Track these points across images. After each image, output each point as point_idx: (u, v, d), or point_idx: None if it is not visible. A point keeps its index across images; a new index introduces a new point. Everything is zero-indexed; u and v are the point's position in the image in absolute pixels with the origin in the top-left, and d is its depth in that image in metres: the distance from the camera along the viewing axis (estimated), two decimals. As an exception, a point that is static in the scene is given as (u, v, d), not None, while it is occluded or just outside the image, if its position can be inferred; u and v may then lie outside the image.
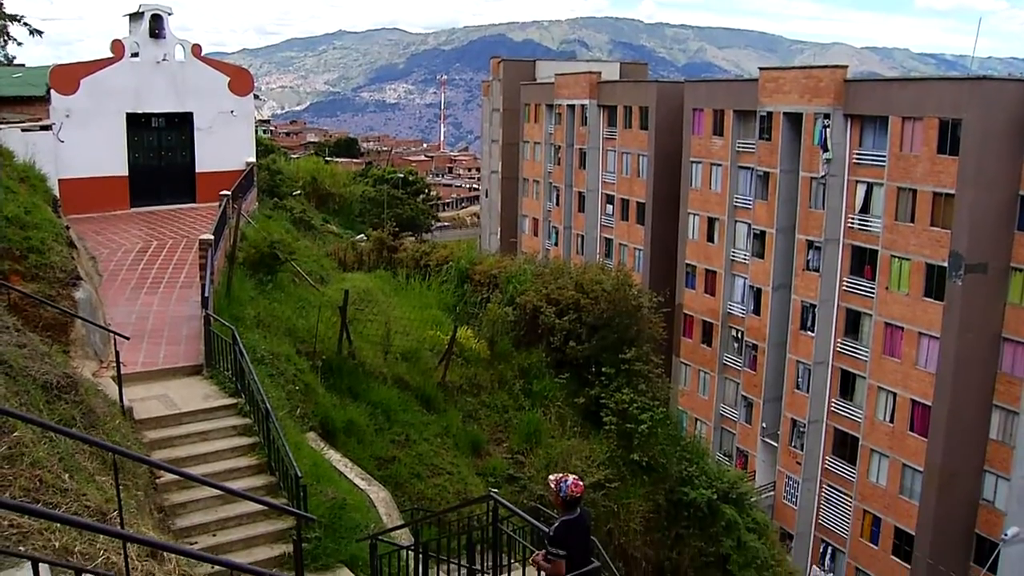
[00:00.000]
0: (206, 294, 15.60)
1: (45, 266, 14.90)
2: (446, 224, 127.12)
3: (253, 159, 29.32)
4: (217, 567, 10.50)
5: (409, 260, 29.15)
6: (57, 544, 7.94)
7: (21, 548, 7.21)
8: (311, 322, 19.33)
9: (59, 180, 22.55)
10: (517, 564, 12.06)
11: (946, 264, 39.10)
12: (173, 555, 9.52)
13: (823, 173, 45.23)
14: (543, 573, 8.39)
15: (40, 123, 23.70)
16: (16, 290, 13.75)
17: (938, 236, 39.60)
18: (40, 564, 6.30)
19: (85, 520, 6.45)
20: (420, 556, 11.69)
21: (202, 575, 10.35)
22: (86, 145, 25.11)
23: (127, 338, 14.29)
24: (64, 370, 11.70)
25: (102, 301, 16.91)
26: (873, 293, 43.26)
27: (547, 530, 8.54)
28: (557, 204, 72.65)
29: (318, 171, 46.33)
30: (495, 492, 10.95)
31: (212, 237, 17.30)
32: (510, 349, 22.74)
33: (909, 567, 41.29)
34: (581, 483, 8.38)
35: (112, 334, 14.34)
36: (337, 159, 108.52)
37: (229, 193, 21.23)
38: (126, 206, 26.35)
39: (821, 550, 47.18)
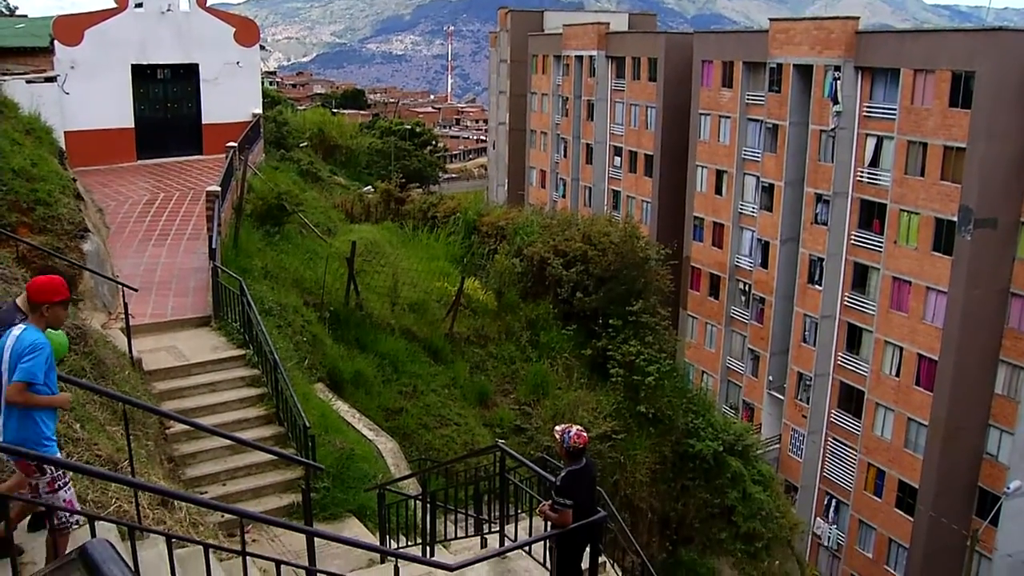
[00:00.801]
0: (213, 246, 15.61)
1: (52, 218, 14.90)
2: (453, 176, 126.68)
3: (259, 111, 29.17)
4: (227, 516, 10.63)
5: (416, 212, 29.09)
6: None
7: (34, 497, 7.29)
8: (318, 273, 19.35)
9: (65, 132, 22.45)
10: (524, 514, 12.18)
11: (955, 218, 38.86)
12: (183, 504, 9.64)
13: (833, 126, 44.84)
14: (550, 523, 8.47)
15: (44, 75, 23.56)
16: (24, 242, 13.77)
17: (948, 190, 39.34)
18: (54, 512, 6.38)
19: (98, 468, 6.52)
20: (428, 506, 11.80)
21: (212, 523, 10.47)
22: (91, 97, 24.99)
23: (135, 290, 14.33)
24: (73, 322, 11.76)
25: (110, 253, 16.93)
26: (881, 247, 43.10)
27: (553, 480, 8.60)
28: (565, 156, 72.26)
29: (325, 123, 46.05)
30: (502, 443, 11.02)
31: (219, 189, 17.29)
32: (517, 300, 22.76)
33: (912, 520, 41.58)
34: (584, 434, 8.37)
35: (120, 286, 14.39)
36: (344, 111, 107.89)
37: (236, 145, 21.17)
38: (132, 158, 26.29)
39: (825, 502, 47.52)
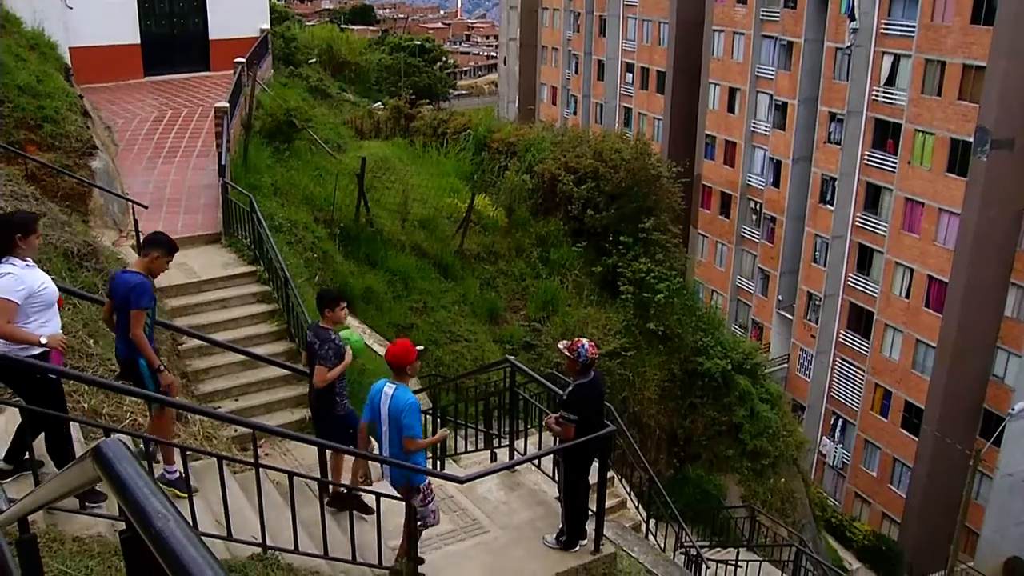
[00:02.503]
0: (223, 162, 15.53)
1: (60, 136, 14.81)
2: (464, 92, 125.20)
3: (267, 26, 28.72)
4: (240, 430, 10.78)
5: (426, 128, 28.89)
6: (86, 406, 8.16)
7: (52, 410, 7.39)
8: (328, 190, 19.30)
9: (70, 48, 22.16)
10: (533, 429, 12.33)
11: (971, 139, 38.33)
12: (197, 418, 9.77)
13: (849, 43, 44.00)
14: (557, 438, 8.56)
15: (47, -13, 23.16)
16: (33, 160, 13.72)
17: (965, 110, 38.73)
18: (71, 423, 6.47)
19: (113, 382, 6.59)
20: (438, 421, 11.93)
21: (226, 437, 10.61)
22: (96, 11, 24.52)
23: (145, 207, 14.31)
24: (84, 238, 11.78)
25: (119, 171, 16.87)
26: (895, 167, 42.64)
27: (561, 394, 8.66)
28: (576, 72, 71.30)
29: (333, 39, 45.51)
30: (512, 358, 11.09)
31: (227, 105, 17.11)
32: (528, 217, 22.72)
33: (917, 440, 41.95)
34: (596, 346, 8.45)
35: (130, 203, 14.37)
36: (352, 27, 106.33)
37: (244, 60, 20.90)
38: (139, 75, 25.96)
39: (832, 422, 47.91)
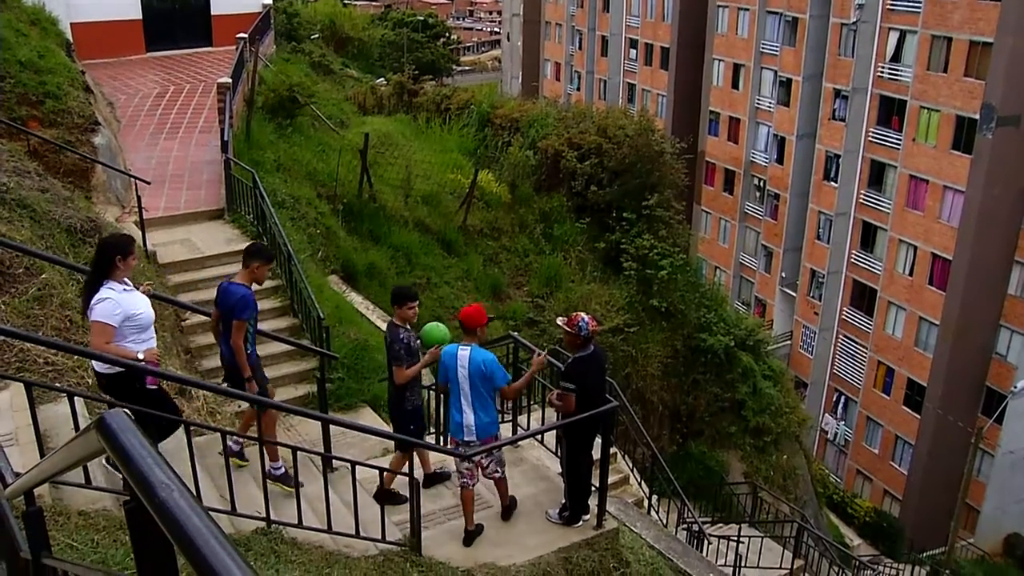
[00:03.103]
0: (225, 138, 15.51)
1: (62, 111, 14.78)
2: (467, 68, 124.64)
3: (270, 1, 28.58)
4: (244, 405, 10.81)
5: (429, 104, 28.78)
6: (91, 382, 8.18)
7: (57, 384, 7.43)
8: (331, 166, 19.26)
9: (71, 24, 22.07)
10: (536, 405, 12.35)
11: (977, 116, 38.15)
12: (201, 393, 9.80)
13: (854, 19, 43.73)
14: (561, 413, 8.58)
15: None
16: (35, 135, 13.70)
17: (971, 87, 38.52)
18: (76, 398, 6.49)
19: (117, 357, 6.60)
20: (440, 396, 11.95)
21: (229, 413, 10.65)
22: (97, -14, 24.44)
23: (148, 183, 14.29)
24: (87, 214, 11.77)
25: (121, 147, 16.85)
26: (899, 145, 42.48)
27: (561, 366, 8.69)
28: (580, 48, 71.01)
29: (336, 14, 45.20)
30: (515, 334, 11.10)
31: (230, 81, 17.07)
32: (531, 193, 22.68)
33: (919, 417, 42.02)
34: (596, 320, 8.62)
35: (133, 179, 14.35)
36: (355, 2, 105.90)
37: (246, 36, 20.82)
38: (141, 50, 25.85)
39: (834, 399, 48.01)
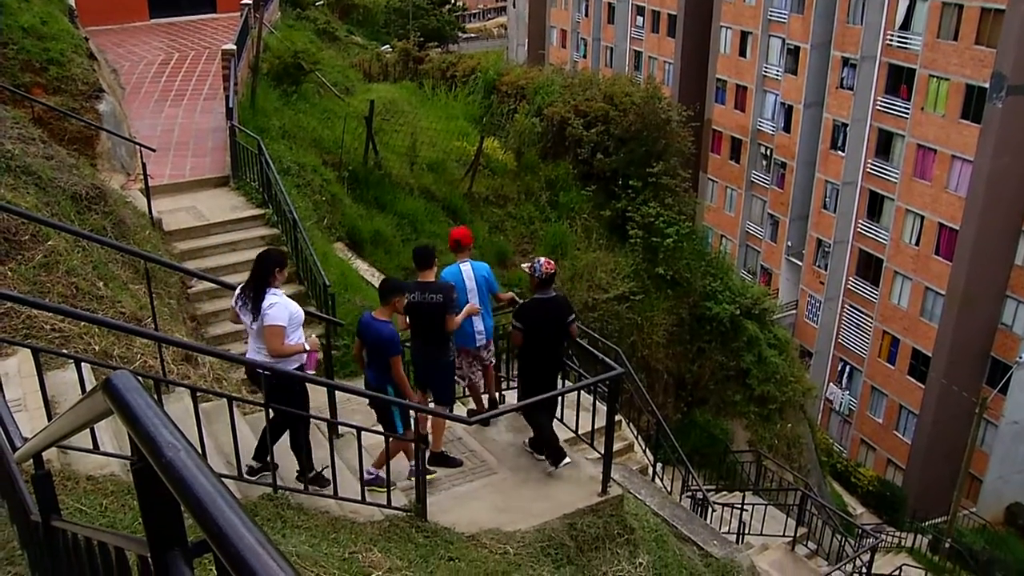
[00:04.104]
0: (230, 105, 15.44)
1: (66, 78, 14.71)
2: (472, 35, 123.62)
3: (274, -34, 28.40)
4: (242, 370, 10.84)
5: (435, 71, 28.65)
6: (97, 348, 8.21)
7: (64, 351, 7.45)
8: (337, 133, 19.20)
9: (74, -11, 21.96)
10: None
11: (987, 85, 37.82)
12: (207, 360, 9.82)
13: (864, -15, 43.39)
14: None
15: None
16: (39, 103, 13.65)
17: (982, 55, 38.15)
18: (83, 364, 6.52)
19: (124, 323, 6.63)
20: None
21: (235, 379, 10.68)
22: (101, -49, 24.25)
23: (153, 150, 14.26)
24: (92, 181, 11.76)
25: (126, 114, 16.79)
26: (907, 113, 42.19)
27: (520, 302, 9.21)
28: (586, 15, 70.45)
29: (341, -20, 44.92)
30: (521, 301, 11.07)
31: (235, 47, 16.99)
32: (537, 161, 22.62)
33: (923, 387, 42.05)
34: (553, 263, 8.89)
35: (138, 146, 14.32)
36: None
37: (251, 2, 20.69)
38: (145, 17, 25.67)
39: (839, 368, 48.05)
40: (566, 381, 9.68)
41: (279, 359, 7.35)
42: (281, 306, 7.35)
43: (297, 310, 7.52)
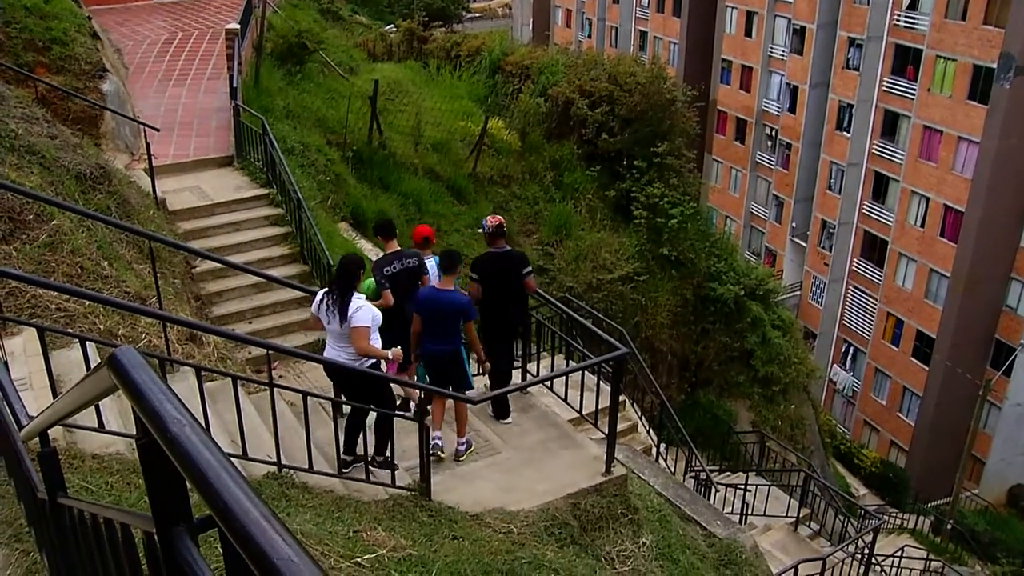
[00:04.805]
0: (234, 85, 15.42)
1: (70, 58, 14.68)
2: (477, 15, 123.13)
3: (278, -55, 28.27)
4: (254, 352, 10.87)
5: (439, 51, 28.53)
6: (102, 327, 8.22)
7: (69, 330, 7.46)
8: (341, 113, 19.16)
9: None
10: (546, 352, 12.39)
11: (995, 66, 37.58)
12: (211, 339, 9.84)
13: (871, -36, 43.09)
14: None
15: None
16: (43, 82, 13.63)
17: (990, 35, 37.88)
18: (88, 343, 6.53)
19: (129, 303, 6.63)
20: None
21: (240, 359, 10.70)
22: (104, -71, 24.12)
23: (157, 130, 14.25)
24: (97, 161, 11.75)
25: (130, 94, 16.76)
26: (914, 94, 41.96)
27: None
28: (591, -5, 70.17)
29: (345, -41, 44.71)
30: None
31: (238, 27, 16.93)
32: (541, 141, 22.56)
33: (927, 369, 42.05)
34: (500, 218, 9.66)
35: (142, 126, 14.30)
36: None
37: (254, -19, 20.62)
38: (148, -6, 25.64)
39: (843, 350, 48.03)
40: (570, 361, 9.66)
41: (362, 358, 7.93)
42: (366, 309, 7.91)
43: (377, 313, 8.11)
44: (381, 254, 10.36)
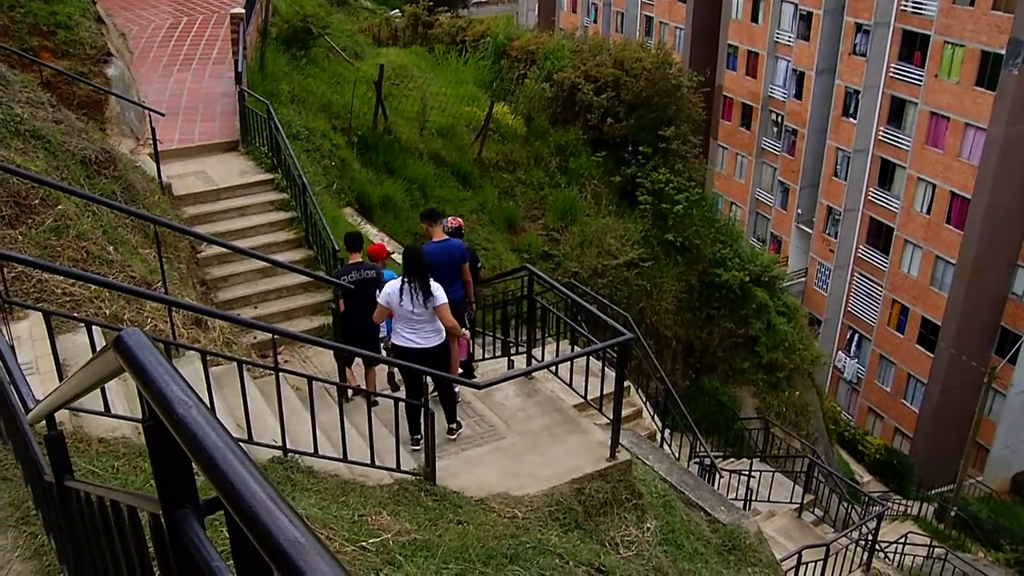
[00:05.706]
0: (239, 69, 15.38)
1: (74, 42, 14.65)
2: (482, 0, 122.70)
3: (282, -71, 28.14)
4: (259, 336, 10.89)
5: (445, 36, 28.47)
6: (108, 312, 8.23)
7: (75, 314, 7.48)
8: (346, 98, 19.13)
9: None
10: (551, 338, 12.39)
11: (1003, 52, 37.37)
12: (217, 324, 9.85)
13: (879, -51, 42.82)
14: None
15: None
16: (48, 66, 13.61)
17: (999, 21, 37.65)
18: (94, 328, 6.55)
19: (134, 287, 6.64)
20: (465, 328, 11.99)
21: (245, 344, 10.72)
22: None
23: (162, 114, 14.24)
24: (102, 146, 11.75)
25: (135, 78, 16.73)
26: (921, 81, 41.77)
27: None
28: (597, -19, 69.90)
29: (350, -57, 44.55)
30: (531, 266, 11.08)
31: (244, 11, 16.89)
32: (547, 126, 22.53)
33: (932, 356, 42.00)
34: (460, 220, 11.07)
35: (147, 111, 14.29)
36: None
37: (259, -35, 20.56)
38: (153, -22, 25.55)
39: (848, 337, 47.99)
40: (575, 347, 9.65)
41: (434, 335, 8.48)
42: (441, 289, 8.45)
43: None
44: (386, 239, 10.51)
